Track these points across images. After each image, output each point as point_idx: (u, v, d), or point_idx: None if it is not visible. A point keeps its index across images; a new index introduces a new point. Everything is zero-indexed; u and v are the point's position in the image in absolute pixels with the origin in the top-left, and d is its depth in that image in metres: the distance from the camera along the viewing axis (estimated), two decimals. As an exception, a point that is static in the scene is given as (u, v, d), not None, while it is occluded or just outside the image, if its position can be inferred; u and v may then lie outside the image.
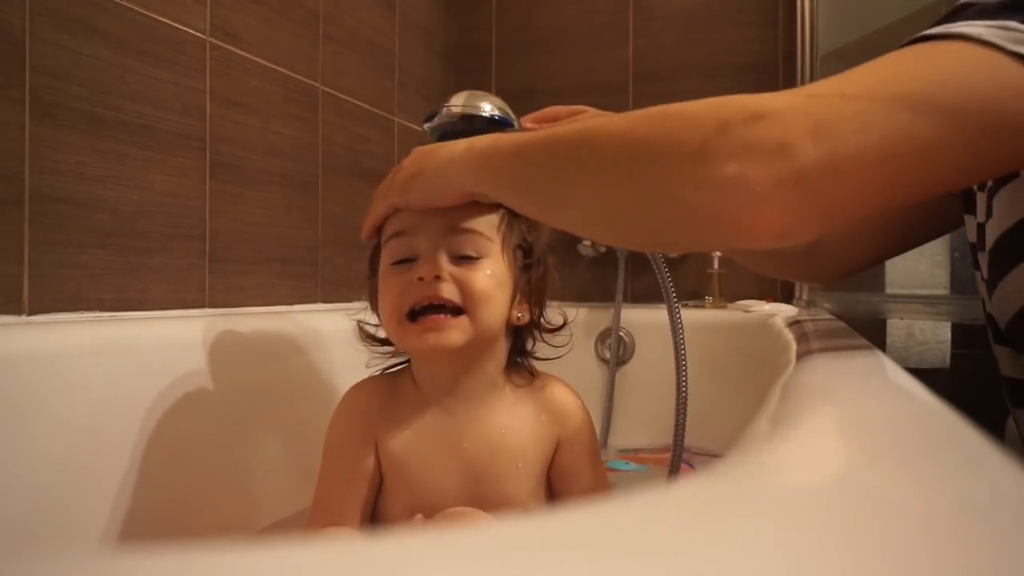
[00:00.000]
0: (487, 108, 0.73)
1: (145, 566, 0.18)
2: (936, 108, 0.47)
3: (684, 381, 0.76)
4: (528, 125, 0.79)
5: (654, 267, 0.78)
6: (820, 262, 0.85)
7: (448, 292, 0.63)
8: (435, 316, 0.64)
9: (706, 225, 0.49)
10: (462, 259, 0.65)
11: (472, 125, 0.73)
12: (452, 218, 0.64)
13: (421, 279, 0.63)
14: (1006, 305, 0.68)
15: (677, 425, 0.76)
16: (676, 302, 0.76)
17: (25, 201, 0.81)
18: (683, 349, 0.75)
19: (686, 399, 0.75)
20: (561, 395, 0.74)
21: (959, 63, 0.49)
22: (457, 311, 0.64)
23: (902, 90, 0.48)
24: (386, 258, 0.67)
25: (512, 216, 0.68)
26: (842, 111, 0.47)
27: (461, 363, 0.68)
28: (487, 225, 0.66)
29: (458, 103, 0.74)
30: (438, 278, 0.63)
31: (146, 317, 0.91)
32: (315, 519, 0.69)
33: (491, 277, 0.65)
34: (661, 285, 0.77)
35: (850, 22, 1.65)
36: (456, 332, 0.64)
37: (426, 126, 0.74)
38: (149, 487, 0.78)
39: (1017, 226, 0.67)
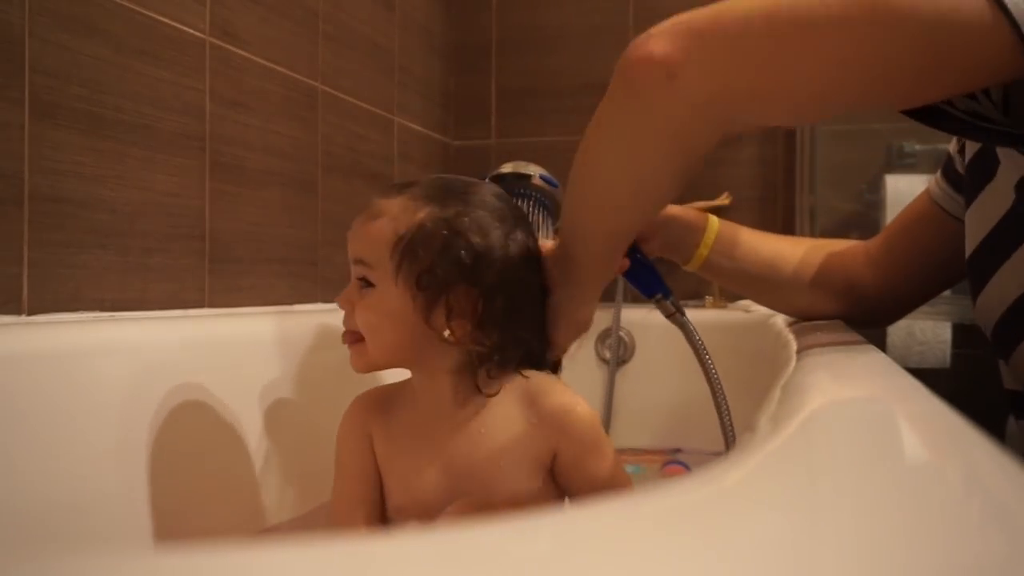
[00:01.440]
0: (535, 171, 0.84)
1: (145, 566, 0.18)
2: None
3: (722, 396, 0.80)
4: None
5: (683, 332, 0.81)
6: (867, 305, 0.87)
7: (347, 322, 0.70)
8: (346, 341, 0.71)
9: (623, 85, 0.58)
10: (363, 284, 0.69)
11: (518, 186, 0.84)
12: (351, 249, 0.69)
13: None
14: (989, 313, 0.69)
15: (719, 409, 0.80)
16: (711, 362, 0.81)
17: (25, 201, 0.81)
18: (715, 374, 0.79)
19: (725, 399, 0.80)
20: (555, 401, 0.69)
21: None
22: (360, 336, 0.69)
23: None
24: None
25: (421, 238, 0.65)
26: None
27: (417, 373, 0.72)
28: (372, 254, 0.67)
29: (507, 168, 0.83)
30: (343, 310, 0.70)
31: (146, 317, 0.91)
32: (331, 517, 0.74)
33: (373, 310, 0.68)
34: (691, 346, 0.80)
35: (850, 22, 1.64)
36: (355, 358, 0.70)
37: None
38: (149, 487, 0.78)
39: (989, 235, 0.68)
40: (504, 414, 0.70)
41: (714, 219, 0.86)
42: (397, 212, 0.67)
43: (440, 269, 0.65)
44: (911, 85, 0.52)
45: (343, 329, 0.71)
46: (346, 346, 0.71)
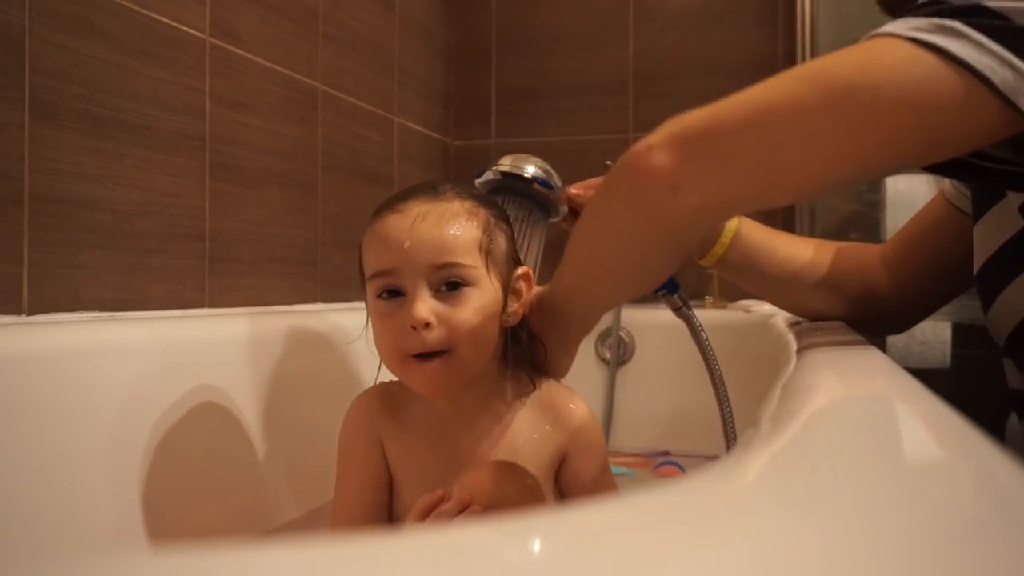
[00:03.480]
0: (530, 170, 0.82)
1: (143, 567, 0.18)
2: (808, 75, 0.53)
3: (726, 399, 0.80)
4: (573, 191, 0.84)
5: (688, 329, 0.81)
6: (882, 310, 0.86)
7: (435, 340, 0.65)
8: (431, 366, 0.65)
9: (628, 192, 0.60)
10: (449, 288, 0.66)
11: (516, 184, 0.81)
12: (433, 255, 0.65)
13: (414, 327, 0.64)
14: (1002, 324, 0.69)
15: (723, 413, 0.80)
16: (714, 360, 0.80)
17: (25, 201, 0.81)
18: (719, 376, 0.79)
19: (728, 404, 0.80)
20: (568, 404, 0.74)
21: (851, 50, 0.53)
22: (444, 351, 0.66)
23: (790, 71, 0.55)
24: (371, 291, 0.68)
25: (494, 233, 0.69)
26: (736, 92, 0.56)
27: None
28: (467, 254, 0.66)
29: (505, 163, 0.80)
30: (427, 326, 0.64)
31: (146, 317, 0.91)
32: (336, 525, 0.72)
33: (477, 309, 0.66)
34: (696, 343, 0.80)
35: (850, 22, 1.64)
36: (451, 376, 0.66)
37: (476, 181, 0.82)
38: (149, 487, 0.78)
39: (999, 252, 0.68)
40: (523, 416, 0.72)
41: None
42: (467, 213, 0.68)
43: (508, 255, 0.71)
44: (911, 159, 0.56)
45: (413, 352, 0.65)
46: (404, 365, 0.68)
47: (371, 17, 1.47)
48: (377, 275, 0.67)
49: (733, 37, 1.65)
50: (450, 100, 1.81)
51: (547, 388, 0.74)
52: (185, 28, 1.01)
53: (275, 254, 1.19)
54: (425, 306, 0.64)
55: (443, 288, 0.65)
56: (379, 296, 0.67)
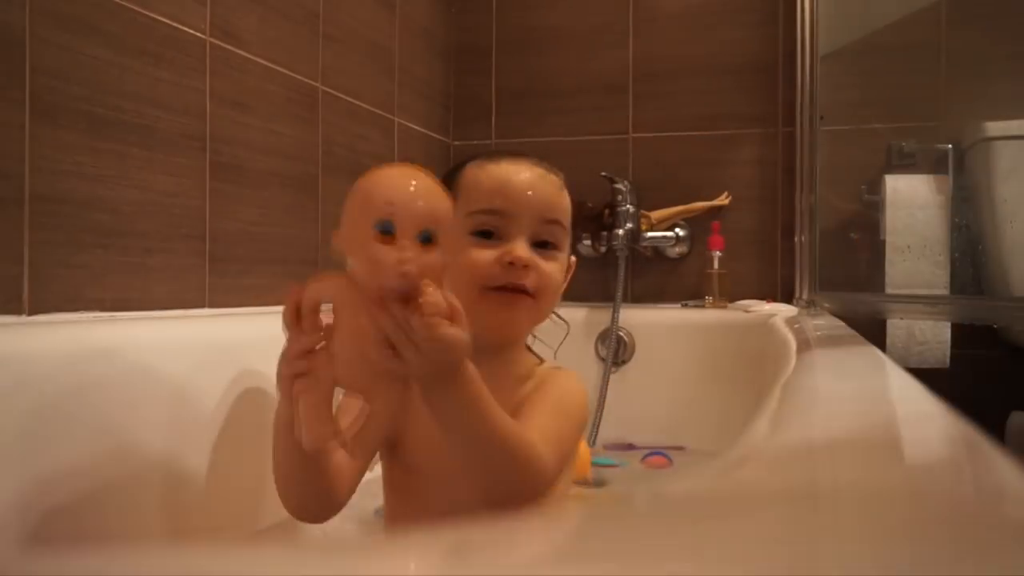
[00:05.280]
0: None
1: (144, 566, 0.18)
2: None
3: None
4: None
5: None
6: None
7: (529, 281, 0.69)
8: (516, 297, 0.68)
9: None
10: (542, 245, 0.71)
11: None
12: (543, 208, 0.71)
13: (512, 264, 0.68)
14: None
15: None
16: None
17: (25, 201, 0.81)
18: None
19: None
20: (566, 382, 0.75)
21: None
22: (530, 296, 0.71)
23: None
24: (469, 225, 0.70)
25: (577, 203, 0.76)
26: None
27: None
28: (565, 215, 0.73)
29: None
30: (527, 267, 0.68)
31: (146, 317, 0.91)
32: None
33: (558, 268, 0.72)
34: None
35: (850, 22, 1.64)
36: (525, 314, 0.70)
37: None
38: (149, 487, 0.78)
39: None
40: (524, 388, 0.73)
41: None
42: (561, 187, 0.74)
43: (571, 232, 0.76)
44: None
45: (510, 283, 0.69)
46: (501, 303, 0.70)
47: (371, 17, 1.47)
48: (486, 212, 0.70)
49: (733, 37, 1.65)
50: (450, 100, 1.81)
51: (550, 370, 0.76)
52: (185, 28, 1.01)
53: (275, 254, 1.19)
54: (527, 254, 0.69)
55: (536, 244, 0.71)
56: (474, 232, 0.70)
